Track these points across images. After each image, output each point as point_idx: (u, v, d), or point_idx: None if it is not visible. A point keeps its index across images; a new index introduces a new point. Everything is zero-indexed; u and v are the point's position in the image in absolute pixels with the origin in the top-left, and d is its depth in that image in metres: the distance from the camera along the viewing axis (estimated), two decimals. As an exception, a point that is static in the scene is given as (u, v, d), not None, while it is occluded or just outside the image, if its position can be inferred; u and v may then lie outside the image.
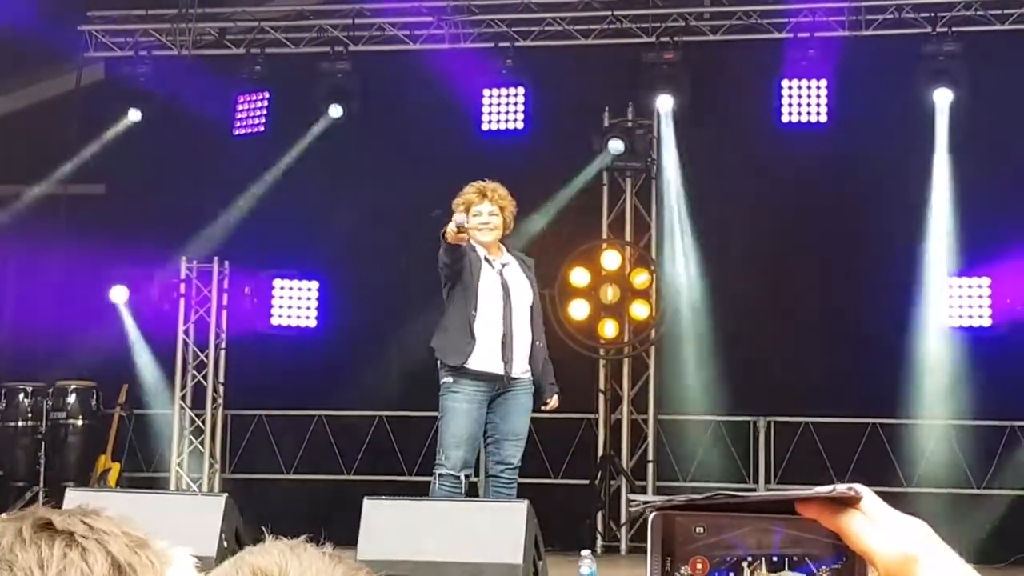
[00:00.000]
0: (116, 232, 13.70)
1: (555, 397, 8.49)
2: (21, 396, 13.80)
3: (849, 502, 1.34)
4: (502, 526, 7.66)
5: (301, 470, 14.26)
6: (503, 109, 13.85)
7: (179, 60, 14.24)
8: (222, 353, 14.05)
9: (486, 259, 8.27)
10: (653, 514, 1.38)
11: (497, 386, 8.17)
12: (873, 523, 1.33)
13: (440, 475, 8.19)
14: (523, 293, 8.32)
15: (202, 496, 11.14)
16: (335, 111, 13.99)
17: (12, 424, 13.77)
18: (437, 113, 13.59)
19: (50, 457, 13.65)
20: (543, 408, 8.50)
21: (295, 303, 14.40)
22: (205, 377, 14.00)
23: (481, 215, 8.26)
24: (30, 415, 13.75)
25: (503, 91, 13.85)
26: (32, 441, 13.70)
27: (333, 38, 14.15)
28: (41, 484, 13.37)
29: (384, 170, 13.81)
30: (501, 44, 13.87)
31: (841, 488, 1.34)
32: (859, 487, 1.35)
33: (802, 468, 12.77)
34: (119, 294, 14.02)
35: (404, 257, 13.51)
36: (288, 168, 14.16)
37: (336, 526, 8.02)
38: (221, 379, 14.06)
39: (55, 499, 11.62)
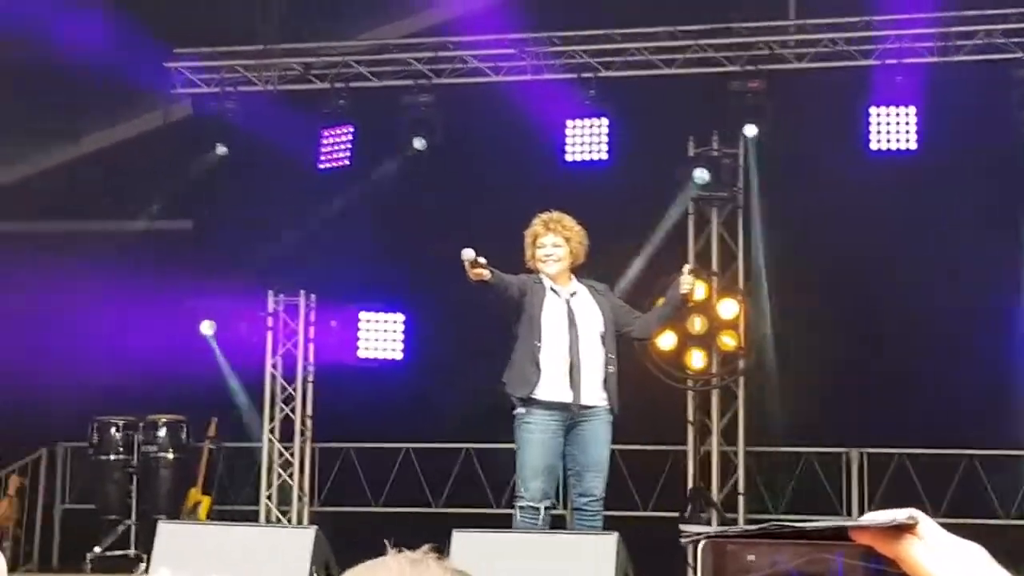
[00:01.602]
0: (204, 267, 13.81)
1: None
2: (113, 430, 13.91)
3: (905, 529, 1.30)
4: (592, 558, 7.60)
5: (389, 502, 14.27)
6: (586, 140, 13.82)
7: (264, 95, 14.34)
8: (310, 386, 14.10)
9: (552, 289, 8.29)
10: (703, 543, 1.36)
11: (568, 415, 8.15)
12: (932, 549, 1.29)
13: (520, 507, 8.20)
14: (592, 321, 8.32)
15: (292, 529, 11.16)
16: (419, 144, 14.02)
17: (104, 458, 13.89)
18: (520, 144, 13.59)
19: (141, 490, 13.74)
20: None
21: (381, 336, 14.43)
22: (293, 410, 14.05)
23: (545, 247, 8.32)
24: (122, 449, 13.85)
25: (586, 122, 13.82)
26: (124, 475, 13.80)
27: (416, 71, 14.19)
28: (133, 517, 13.45)
29: (467, 202, 13.82)
30: (584, 75, 13.84)
31: (899, 516, 1.30)
32: (915, 513, 1.31)
33: (896, 500, 12.57)
34: (208, 328, 14.11)
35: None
36: (373, 201, 14.20)
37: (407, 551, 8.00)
38: (309, 412, 14.11)
39: (146, 533, 11.70)
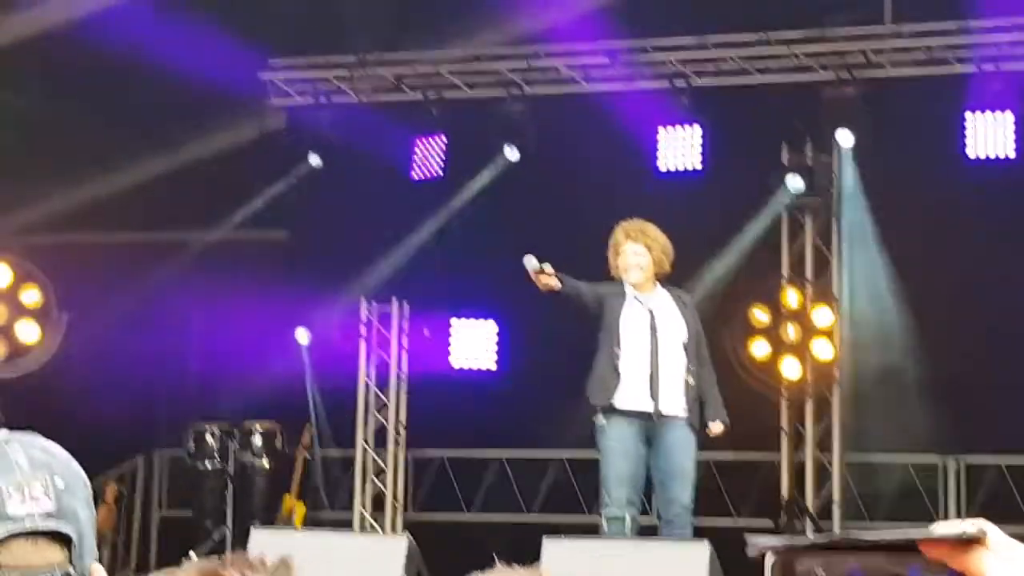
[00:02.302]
0: (298, 276, 13.93)
1: (719, 424, 8.39)
2: (209, 437, 14.07)
3: (974, 541, 1.29)
4: (683, 566, 7.58)
5: (482, 510, 14.30)
6: (679, 148, 13.77)
7: (358, 106, 14.44)
8: (403, 394, 14.17)
9: (635, 298, 8.27)
10: (771, 556, 1.35)
11: (648, 424, 8.13)
12: (1003, 561, 1.28)
13: (607, 517, 8.19)
14: (674, 330, 8.30)
15: (384, 537, 11.23)
16: (511, 153, 14.05)
17: (200, 465, 14.05)
18: (613, 153, 13.57)
19: (237, 497, 13.88)
20: (707, 432, 8.42)
21: (474, 343, 14.46)
22: (387, 418, 14.12)
23: (626, 255, 8.31)
24: (217, 456, 14.01)
25: (679, 130, 13.78)
26: (219, 482, 13.96)
27: (508, 80, 14.21)
28: (229, 524, 13.58)
29: (559, 211, 13.82)
30: (677, 83, 13.80)
31: (968, 528, 1.29)
32: (984, 524, 1.30)
33: (994, 510, 12.44)
34: (302, 336, 14.22)
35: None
36: (465, 210, 14.25)
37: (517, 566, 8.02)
38: (403, 420, 14.18)
39: (242, 539, 11.80)
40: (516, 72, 14.23)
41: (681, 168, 13.71)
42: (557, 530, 8.94)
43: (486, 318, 14.39)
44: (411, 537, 8.23)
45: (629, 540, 8.01)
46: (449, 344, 14.47)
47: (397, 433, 14.15)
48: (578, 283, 8.46)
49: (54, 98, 13.30)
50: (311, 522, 13.74)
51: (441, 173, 14.37)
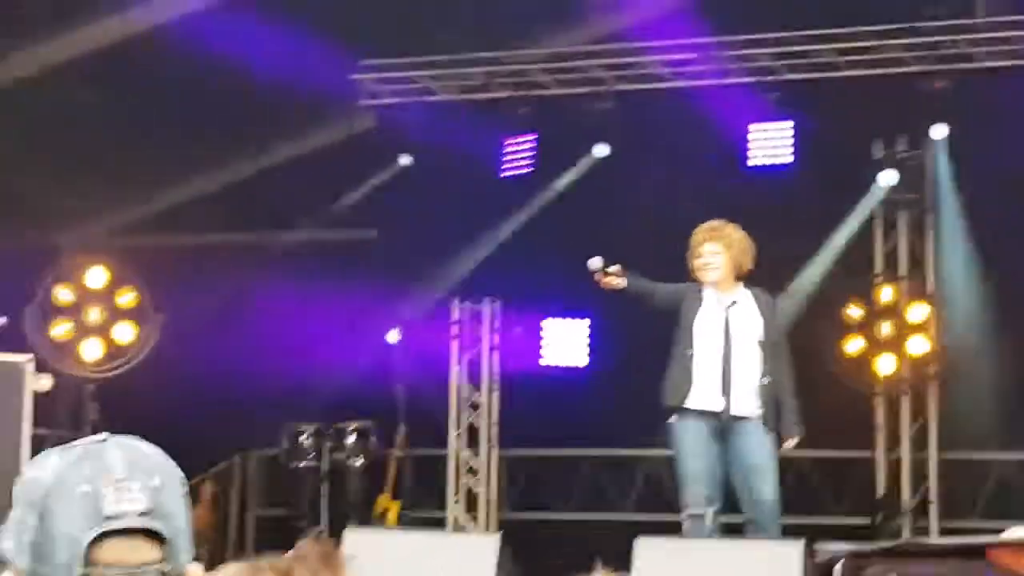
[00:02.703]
0: (389, 275, 13.98)
1: (794, 439, 8.35)
2: (303, 437, 14.18)
3: None
4: (776, 564, 7.53)
5: (575, 509, 14.29)
6: (770, 143, 13.69)
7: (447, 105, 14.47)
8: (495, 393, 14.19)
9: (711, 298, 8.27)
10: (840, 563, 1.33)
11: (721, 423, 8.13)
12: None
13: (687, 515, 8.22)
14: (750, 331, 8.28)
15: (476, 536, 11.25)
16: (600, 150, 14.03)
17: (295, 464, 14.16)
18: (702, 150, 13.50)
19: (331, 496, 13.98)
20: (782, 447, 8.38)
21: (566, 341, 14.45)
22: (479, 417, 14.15)
23: (703, 256, 8.33)
24: (312, 455, 14.12)
25: (770, 125, 13.69)
26: (314, 481, 14.06)
27: (598, 78, 14.18)
28: (323, 523, 13.68)
29: (649, 208, 13.76)
30: (767, 78, 13.71)
31: None
32: None
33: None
34: (394, 336, 14.28)
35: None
36: (555, 207, 14.24)
37: (609, 565, 8.02)
38: (495, 419, 14.20)
39: (337, 538, 11.86)
40: (605, 69, 14.19)
41: (771, 163, 13.62)
42: (650, 529, 8.90)
43: (578, 316, 14.37)
44: (503, 536, 8.22)
45: (721, 539, 7.99)
46: (540, 342, 14.47)
47: (489, 432, 14.17)
48: (650, 284, 8.54)
49: (147, 102, 13.45)
50: (405, 521, 13.80)
51: (530, 170, 14.38)
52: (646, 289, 8.54)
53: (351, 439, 14.06)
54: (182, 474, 2.02)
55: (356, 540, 8.28)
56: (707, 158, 13.56)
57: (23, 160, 13.30)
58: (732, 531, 8.65)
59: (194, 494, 15.22)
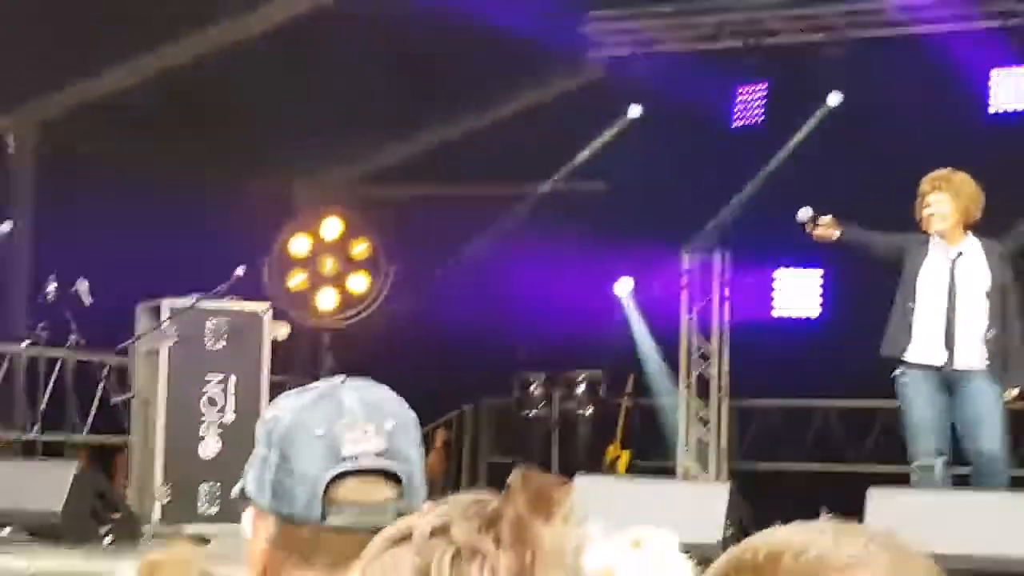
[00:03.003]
0: (619, 227, 13.98)
1: (1016, 390, 8.17)
2: (534, 386, 14.33)
3: None
4: (1010, 515, 7.38)
5: (807, 460, 14.18)
6: (1014, 89, 13.29)
7: (678, 55, 14.38)
8: (726, 344, 14.12)
9: (937, 249, 8.09)
10: None
11: (945, 375, 7.97)
12: None
13: (915, 467, 8.15)
14: (977, 280, 8.08)
15: (706, 484, 11.24)
16: (834, 99, 13.80)
17: (526, 413, 14.32)
18: (940, 97, 13.17)
19: (561, 445, 14.11)
20: (1006, 397, 8.19)
21: (797, 292, 14.32)
22: (709, 367, 14.11)
23: (929, 205, 8.12)
24: (542, 404, 14.26)
25: (1014, 70, 13.29)
26: (544, 430, 14.20)
27: (830, 25, 13.95)
28: (554, 471, 13.80)
29: (885, 157, 13.51)
30: (1011, 22, 13.31)
31: None
32: None
33: None
34: (623, 287, 14.30)
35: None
36: (787, 157, 14.07)
37: (844, 518, 7.94)
38: (726, 369, 14.14)
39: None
40: (838, 16, 13.94)
41: (1015, 109, 13.23)
42: (883, 480, 8.79)
43: (810, 266, 14.21)
44: (733, 485, 8.21)
45: (958, 491, 7.86)
46: (771, 293, 14.35)
47: (720, 382, 14.12)
48: (868, 234, 8.41)
49: (380, 55, 13.64)
50: (635, 470, 13.84)
51: (762, 120, 14.23)
52: (863, 240, 8.44)
53: (581, 388, 14.18)
54: (415, 416, 2.06)
55: (585, 487, 8.34)
56: (946, 105, 13.23)
57: (261, 114, 13.62)
58: (962, 482, 8.50)
59: (426, 442, 15.53)
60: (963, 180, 8.22)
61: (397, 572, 1.27)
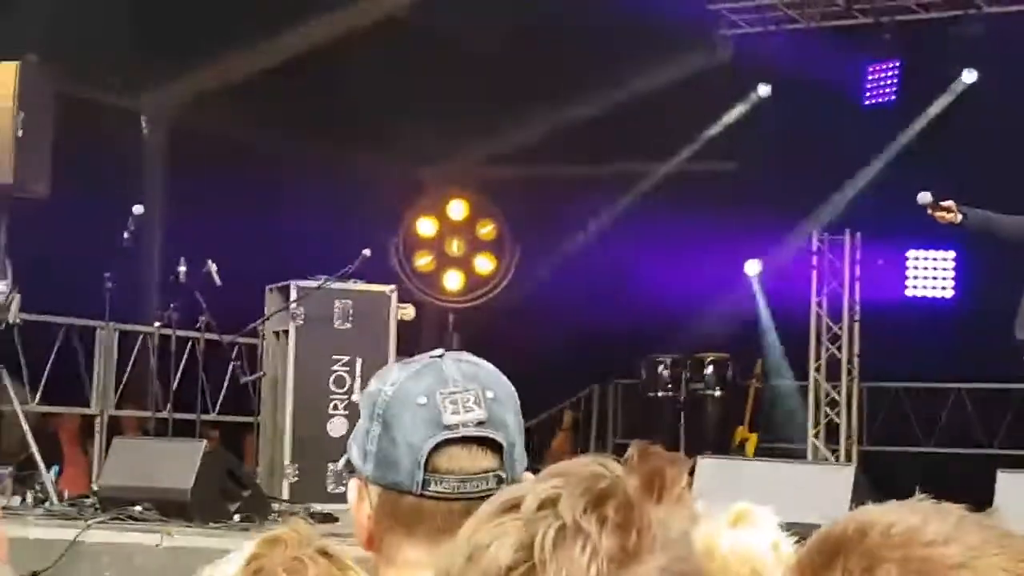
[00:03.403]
0: (748, 206, 13.87)
1: None
2: (661, 367, 14.28)
3: None
4: None
5: (940, 443, 13.98)
6: None
7: (808, 33, 14.23)
8: (856, 325, 13.96)
9: None
10: None
11: None
12: None
13: None
14: None
15: (830, 466, 11.13)
16: (968, 76, 13.58)
17: (653, 394, 14.28)
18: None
19: (689, 426, 14.05)
20: None
21: (930, 273, 14.12)
22: (839, 349, 13.95)
23: None
24: (670, 386, 14.21)
25: None
26: (672, 411, 14.15)
27: (965, 0, 13.70)
28: (681, 452, 13.74)
29: (1020, 136, 13.26)
30: None
31: None
32: None
33: None
34: (752, 267, 14.19)
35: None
36: (922, 136, 13.87)
37: (973, 501, 7.85)
38: (856, 351, 13.98)
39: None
40: (972, -9, 13.70)
41: None
42: (1015, 464, 8.64)
43: (944, 248, 14.01)
44: (858, 466, 8.11)
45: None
46: (904, 274, 14.17)
47: (850, 364, 13.96)
48: (991, 216, 8.30)
49: (509, 37, 13.65)
50: (764, 452, 13.75)
51: (895, 98, 14.05)
52: (986, 222, 8.36)
53: (709, 370, 14.10)
54: (514, 388, 2.07)
55: (709, 468, 8.30)
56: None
57: (386, 97, 13.70)
58: None
59: (555, 421, 15.58)
60: None
61: (501, 540, 1.29)
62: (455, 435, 1.96)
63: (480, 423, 1.97)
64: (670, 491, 1.36)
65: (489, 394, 2.00)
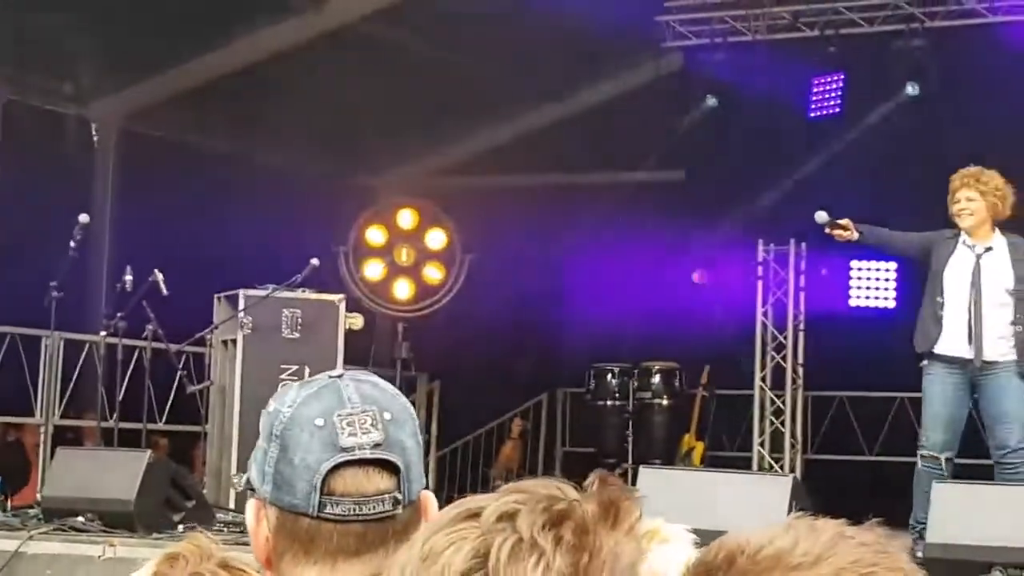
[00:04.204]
0: (696, 216, 13.99)
1: None
2: (609, 376, 14.37)
3: None
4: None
5: (882, 452, 14.11)
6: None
7: (754, 45, 14.36)
8: (800, 335, 14.08)
9: (965, 244, 8.21)
10: None
11: (971, 370, 8.06)
12: None
13: (921, 455, 8.43)
14: (1001, 277, 8.21)
15: (770, 476, 11.23)
16: (911, 89, 13.73)
17: (601, 403, 14.36)
18: (1018, 87, 13.07)
19: (637, 435, 14.13)
20: None
21: (873, 284, 14.27)
22: (784, 358, 14.07)
23: (959, 202, 8.32)
24: (617, 394, 14.29)
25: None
26: (620, 420, 14.23)
27: (908, 15, 13.86)
28: (629, 461, 13.84)
29: (963, 147, 13.38)
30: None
31: None
32: None
33: None
34: (699, 277, 14.31)
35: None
36: (864, 148, 14.01)
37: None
38: (800, 360, 14.10)
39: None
40: (916, 5, 13.85)
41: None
42: (956, 475, 8.77)
43: (886, 259, 14.15)
44: (802, 475, 8.24)
45: (1017, 485, 7.88)
46: (848, 284, 14.32)
47: (795, 373, 14.09)
48: (888, 234, 8.72)
49: (458, 48, 13.73)
50: (710, 461, 13.85)
51: (839, 111, 14.19)
52: (883, 239, 8.80)
53: (656, 379, 14.19)
54: (412, 409, 2.11)
55: (648, 478, 8.38)
56: (1021, 96, 13.11)
57: (341, 107, 13.75)
58: (976, 475, 8.64)
59: (503, 430, 15.64)
60: (993, 178, 8.43)
61: (458, 546, 1.33)
62: (352, 457, 1.98)
63: (377, 445, 1.99)
64: (623, 522, 1.38)
65: (387, 415, 2.02)
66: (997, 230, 8.42)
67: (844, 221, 8.77)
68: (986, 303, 8.17)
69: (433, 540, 1.35)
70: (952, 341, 8.23)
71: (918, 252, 8.68)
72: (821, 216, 8.63)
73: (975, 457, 9.07)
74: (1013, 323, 8.19)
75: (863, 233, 8.70)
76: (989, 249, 8.32)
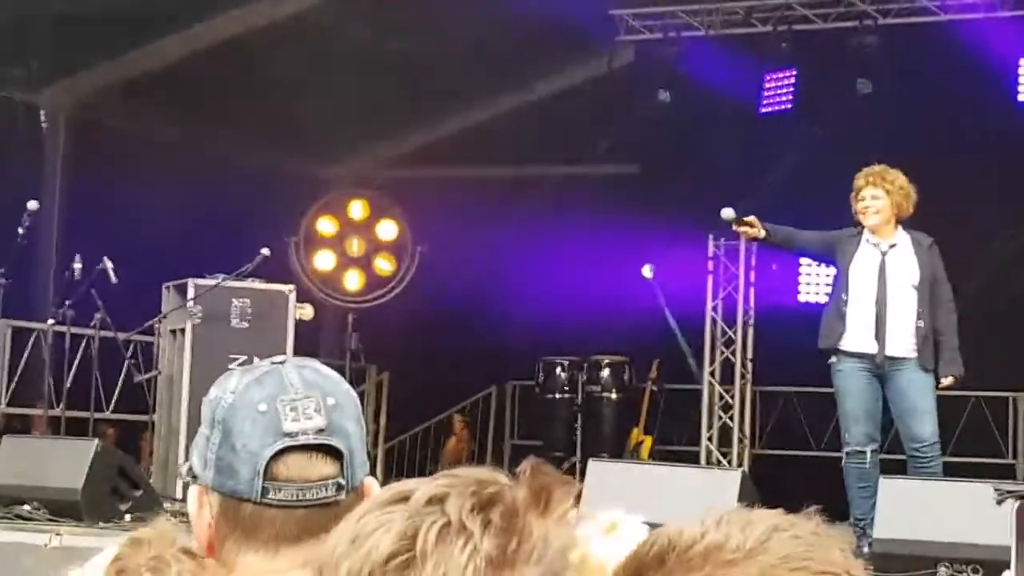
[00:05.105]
0: (648, 210, 14.00)
1: (950, 379, 8.33)
2: (558, 370, 14.38)
3: None
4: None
5: (830, 447, 14.17)
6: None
7: (707, 40, 14.39)
8: (750, 330, 14.13)
9: (869, 242, 8.32)
10: (1017, 503, 1.34)
11: (876, 366, 8.14)
12: None
13: (847, 452, 8.46)
14: (906, 274, 8.35)
15: (719, 470, 11.28)
16: (863, 86, 13.78)
17: (550, 396, 14.37)
18: (970, 86, 13.15)
19: (585, 429, 14.15)
20: (938, 388, 8.39)
21: (823, 280, 14.31)
22: (733, 353, 14.12)
23: (864, 199, 8.42)
24: (566, 388, 14.30)
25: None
26: (569, 413, 14.25)
27: (861, 12, 13.92)
28: (578, 455, 13.86)
29: (914, 145, 13.48)
30: (1039, 10, 13.26)
31: None
32: None
33: None
34: (649, 271, 14.32)
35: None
36: (816, 144, 14.06)
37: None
38: (750, 355, 14.14)
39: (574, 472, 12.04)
40: (868, 3, 13.91)
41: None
42: (901, 470, 8.82)
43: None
44: (750, 469, 8.28)
45: (953, 480, 8.01)
46: (798, 280, 14.36)
47: (744, 368, 14.13)
48: (792, 232, 8.82)
49: (406, 38, 13.70)
50: (658, 455, 13.87)
51: (791, 107, 14.23)
52: (787, 238, 8.91)
53: (606, 372, 14.21)
54: (355, 394, 2.11)
55: (598, 470, 8.39)
56: (975, 94, 13.21)
57: (290, 96, 13.70)
58: (896, 469, 8.72)
59: (446, 426, 15.63)
60: (897, 177, 8.55)
61: (387, 528, 1.33)
62: (295, 443, 1.98)
63: (320, 430, 1.99)
64: (555, 509, 1.39)
65: (330, 401, 2.01)
66: (900, 228, 8.52)
67: (750, 218, 8.81)
68: (891, 299, 8.29)
69: (363, 522, 1.36)
70: (857, 337, 8.34)
71: (820, 249, 8.86)
72: (727, 213, 8.71)
73: (888, 452, 9.15)
74: (917, 319, 8.30)
75: (768, 231, 8.73)
76: (894, 246, 8.44)
